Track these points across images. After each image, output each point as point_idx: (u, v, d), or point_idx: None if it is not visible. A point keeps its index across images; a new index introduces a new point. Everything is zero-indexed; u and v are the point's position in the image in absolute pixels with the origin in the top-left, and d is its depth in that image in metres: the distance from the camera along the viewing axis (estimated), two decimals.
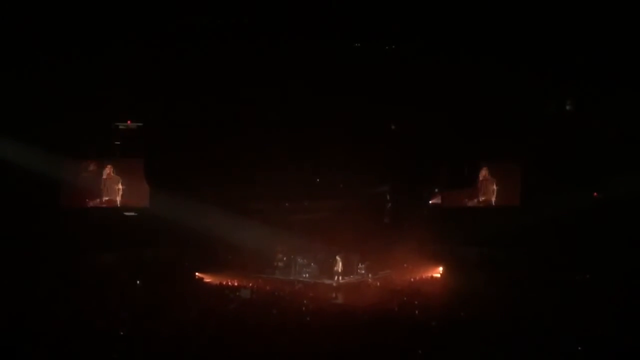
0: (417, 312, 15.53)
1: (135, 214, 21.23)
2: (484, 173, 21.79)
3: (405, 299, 17.20)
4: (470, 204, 21.98)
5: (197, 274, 20.43)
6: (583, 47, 18.38)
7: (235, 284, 19.58)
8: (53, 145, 19.59)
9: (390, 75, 19.73)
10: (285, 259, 21.44)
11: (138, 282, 18.60)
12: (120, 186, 21.10)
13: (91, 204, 20.88)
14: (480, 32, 18.61)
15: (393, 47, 19.96)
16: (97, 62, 18.62)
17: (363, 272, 21.21)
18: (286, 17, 18.41)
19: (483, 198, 21.93)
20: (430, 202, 22.72)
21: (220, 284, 19.65)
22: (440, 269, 21.09)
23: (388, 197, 22.90)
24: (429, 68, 19.45)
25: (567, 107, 20.56)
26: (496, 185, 21.73)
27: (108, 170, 21.01)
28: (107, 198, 21.06)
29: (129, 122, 21.05)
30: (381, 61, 19.81)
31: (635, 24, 17.19)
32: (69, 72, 18.63)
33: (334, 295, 18.78)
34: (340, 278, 20.49)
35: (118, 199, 21.15)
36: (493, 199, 21.77)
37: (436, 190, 22.59)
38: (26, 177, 19.04)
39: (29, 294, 15.97)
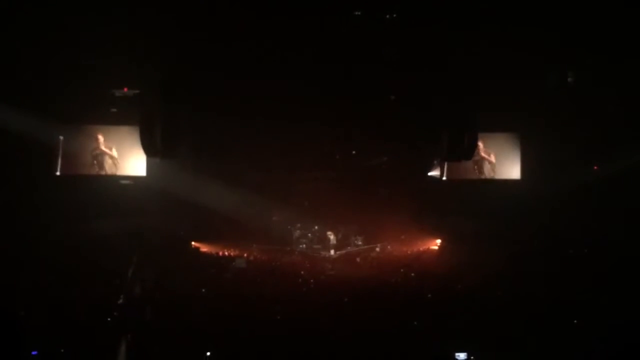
0: (413, 284, 15.53)
1: (131, 183, 21.07)
2: (484, 145, 21.57)
3: (402, 271, 17.19)
4: (469, 176, 21.79)
5: (192, 243, 20.38)
6: (585, 16, 18.03)
7: (231, 253, 19.55)
8: (48, 112, 19.32)
9: (390, 44, 19.40)
10: (281, 229, 21.39)
11: None
12: (116, 154, 20.87)
13: (86, 171, 20.65)
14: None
15: (394, 15, 19.59)
16: (95, 27, 18.27)
17: (360, 243, 21.17)
18: None
19: (483, 170, 21.75)
20: (428, 173, 22.55)
21: (216, 253, 19.62)
22: (438, 241, 21.04)
23: (386, 168, 22.71)
24: (429, 37, 19.10)
25: (569, 79, 20.24)
26: (496, 158, 21.51)
27: (103, 138, 20.77)
28: (102, 166, 20.84)
29: (125, 89, 20.76)
30: (380, 29, 19.47)
31: None
32: (66, 37, 18.30)
33: (330, 266, 18.75)
34: (336, 250, 20.46)
35: (114, 167, 20.93)
36: (493, 172, 21.57)
37: (435, 161, 22.39)
38: (20, 144, 18.84)
39: (25, 264, 15.92)
